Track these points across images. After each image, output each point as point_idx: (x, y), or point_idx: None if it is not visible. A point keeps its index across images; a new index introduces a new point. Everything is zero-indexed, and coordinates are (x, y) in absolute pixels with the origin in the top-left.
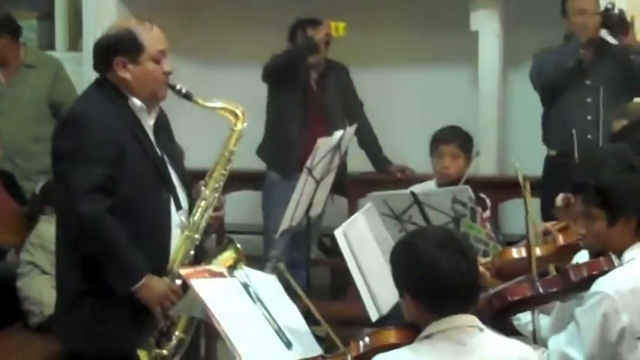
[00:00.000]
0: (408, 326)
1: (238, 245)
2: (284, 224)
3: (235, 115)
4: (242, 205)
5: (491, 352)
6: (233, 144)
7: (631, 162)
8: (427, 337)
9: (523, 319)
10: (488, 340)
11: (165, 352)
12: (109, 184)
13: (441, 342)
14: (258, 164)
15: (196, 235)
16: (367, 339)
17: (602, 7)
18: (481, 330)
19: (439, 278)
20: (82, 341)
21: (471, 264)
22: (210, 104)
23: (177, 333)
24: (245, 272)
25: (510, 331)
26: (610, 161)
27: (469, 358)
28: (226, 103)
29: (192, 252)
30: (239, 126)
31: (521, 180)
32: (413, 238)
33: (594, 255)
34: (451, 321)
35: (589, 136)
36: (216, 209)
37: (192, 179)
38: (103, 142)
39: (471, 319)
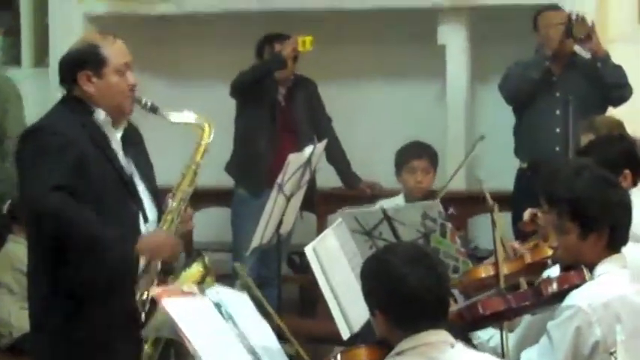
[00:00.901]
0: (379, 343)
1: (207, 259)
2: (255, 242)
3: (202, 129)
4: (211, 223)
5: None
6: (200, 157)
7: (604, 176)
8: (398, 354)
9: (483, 336)
10: (460, 355)
11: None
12: (70, 187)
13: (412, 359)
14: (226, 181)
15: None
16: (338, 357)
17: (567, 18)
18: (452, 346)
19: (409, 294)
20: (54, 357)
21: (442, 280)
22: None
23: (146, 348)
24: (216, 290)
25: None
26: (584, 175)
27: None
28: (191, 118)
29: (158, 266)
30: (206, 139)
31: (487, 196)
32: (383, 254)
33: (566, 269)
34: (422, 337)
35: (557, 149)
36: (183, 222)
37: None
38: (63, 145)
39: (442, 335)
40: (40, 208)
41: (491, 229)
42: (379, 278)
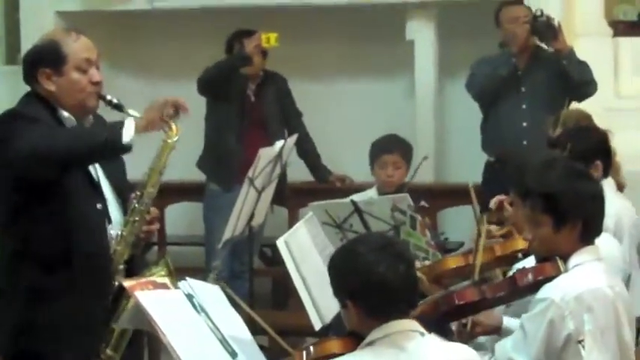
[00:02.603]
0: (350, 335)
1: (169, 260)
2: (227, 234)
3: (169, 127)
4: (183, 217)
5: (433, 356)
6: (165, 156)
7: (576, 168)
8: (369, 344)
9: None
10: (430, 344)
11: None
12: None
13: (383, 348)
14: (198, 176)
15: (125, 250)
16: (311, 348)
17: (532, 15)
18: (422, 334)
19: (379, 281)
20: (8, 347)
21: (409, 268)
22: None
23: (107, 351)
24: (189, 283)
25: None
26: (555, 167)
27: None
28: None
29: (120, 266)
30: (173, 137)
31: (476, 208)
32: (352, 245)
33: (540, 260)
34: (392, 326)
35: (524, 142)
36: (149, 222)
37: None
38: (36, 121)
39: (411, 324)
40: (25, 155)
41: (476, 234)
42: (349, 267)
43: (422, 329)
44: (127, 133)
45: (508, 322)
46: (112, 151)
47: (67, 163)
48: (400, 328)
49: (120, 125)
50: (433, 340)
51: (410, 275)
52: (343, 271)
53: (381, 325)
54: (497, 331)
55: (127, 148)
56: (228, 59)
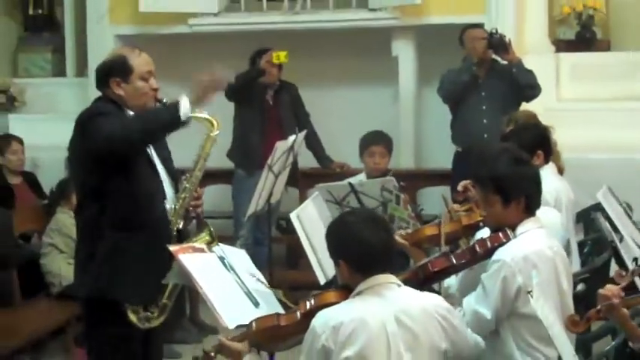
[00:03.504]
0: (343, 288)
1: (212, 229)
2: (251, 209)
3: (211, 123)
4: (216, 196)
5: (408, 301)
6: (209, 146)
7: (519, 156)
8: (358, 294)
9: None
10: (405, 292)
11: (150, 313)
12: None
13: (368, 296)
14: (228, 164)
15: (178, 220)
16: (312, 299)
17: (489, 34)
18: (399, 285)
19: (365, 245)
20: (93, 290)
21: (388, 234)
22: (193, 114)
23: (163, 300)
24: (221, 248)
25: None
26: (502, 156)
27: (391, 306)
28: (205, 114)
29: (174, 233)
30: (214, 132)
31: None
32: (343, 217)
33: (494, 230)
34: (375, 280)
35: (485, 136)
36: (196, 199)
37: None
38: (111, 115)
39: (390, 277)
40: (108, 139)
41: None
42: (342, 234)
43: (399, 282)
44: (184, 108)
45: (448, 281)
46: (174, 124)
47: (144, 137)
48: (381, 280)
49: (176, 104)
50: (408, 289)
51: (388, 240)
52: (337, 237)
53: (365, 279)
54: None
55: (185, 122)
56: (246, 72)
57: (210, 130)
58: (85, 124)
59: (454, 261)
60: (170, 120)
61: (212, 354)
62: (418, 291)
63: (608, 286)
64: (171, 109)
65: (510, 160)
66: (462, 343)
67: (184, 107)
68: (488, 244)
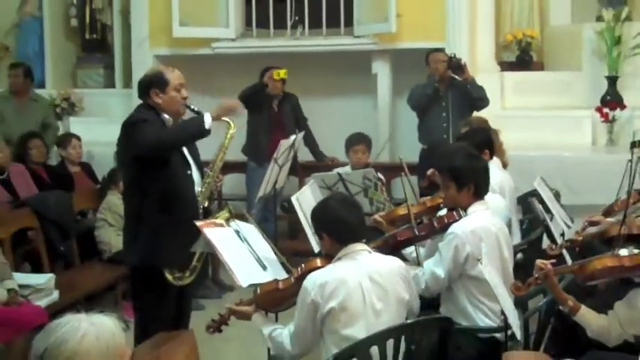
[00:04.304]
0: (326, 255)
1: (231, 207)
2: (260, 193)
3: (229, 124)
4: (233, 183)
5: (378, 263)
6: (227, 143)
7: (472, 153)
8: (338, 259)
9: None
10: (375, 257)
11: (183, 274)
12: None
13: (347, 261)
14: (242, 158)
15: (204, 200)
16: (303, 265)
17: (448, 57)
18: (369, 252)
19: (342, 220)
20: (140, 260)
21: (359, 211)
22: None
23: (193, 263)
24: (236, 223)
25: None
26: (458, 152)
27: (364, 267)
28: (225, 118)
29: (200, 211)
30: (232, 131)
31: (405, 169)
32: (325, 200)
33: (449, 210)
34: (350, 248)
35: (445, 136)
36: (217, 184)
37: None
38: (150, 122)
39: (362, 246)
40: (149, 145)
41: (404, 191)
42: (323, 213)
43: (370, 249)
44: (207, 122)
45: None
46: (200, 134)
47: (176, 145)
48: (356, 248)
49: (200, 118)
50: (378, 255)
51: (361, 217)
52: (320, 215)
53: (343, 247)
54: None
55: (208, 132)
56: (252, 86)
57: (228, 130)
58: (129, 127)
59: (416, 232)
60: (198, 131)
61: (226, 315)
62: (385, 255)
63: (540, 261)
64: (199, 123)
65: (465, 155)
66: (415, 294)
67: (207, 122)
68: (445, 220)
